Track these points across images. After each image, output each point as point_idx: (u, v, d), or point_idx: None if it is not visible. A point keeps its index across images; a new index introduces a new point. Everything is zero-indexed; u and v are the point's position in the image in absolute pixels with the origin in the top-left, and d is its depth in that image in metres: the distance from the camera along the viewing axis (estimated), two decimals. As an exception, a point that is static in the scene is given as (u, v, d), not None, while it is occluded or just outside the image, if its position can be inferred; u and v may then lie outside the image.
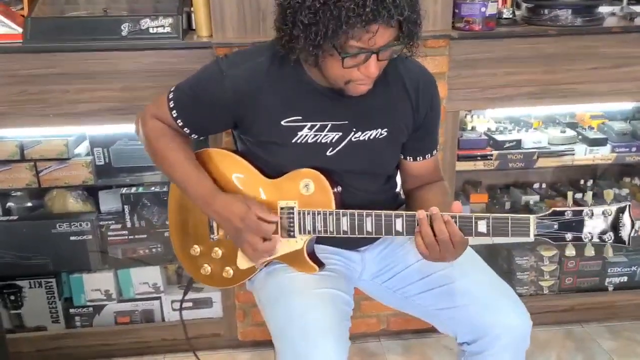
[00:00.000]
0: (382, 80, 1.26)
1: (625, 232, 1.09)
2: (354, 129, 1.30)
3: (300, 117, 1.27)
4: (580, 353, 2.16)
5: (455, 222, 1.17)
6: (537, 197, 2.34)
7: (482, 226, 1.17)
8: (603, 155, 2.12)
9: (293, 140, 1.28)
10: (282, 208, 1.30)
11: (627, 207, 1.09)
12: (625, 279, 2.32)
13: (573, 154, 2.11)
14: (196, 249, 1.42)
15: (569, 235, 1.12)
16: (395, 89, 1.32)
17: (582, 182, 2.43)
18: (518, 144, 2.11)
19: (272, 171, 1.33)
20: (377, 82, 1.23)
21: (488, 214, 1.16)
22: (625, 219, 1.09)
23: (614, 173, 2.50)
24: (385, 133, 1.33)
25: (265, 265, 1.36)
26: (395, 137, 1.35)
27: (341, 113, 1.29)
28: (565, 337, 2.25)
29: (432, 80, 1.38)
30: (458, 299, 1.35)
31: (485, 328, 1.32)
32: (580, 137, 2.17)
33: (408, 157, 1.41)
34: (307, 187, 1.28)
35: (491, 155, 2.09)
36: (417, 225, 1.19)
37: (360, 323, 2.16)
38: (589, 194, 1.16)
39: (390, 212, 1.23)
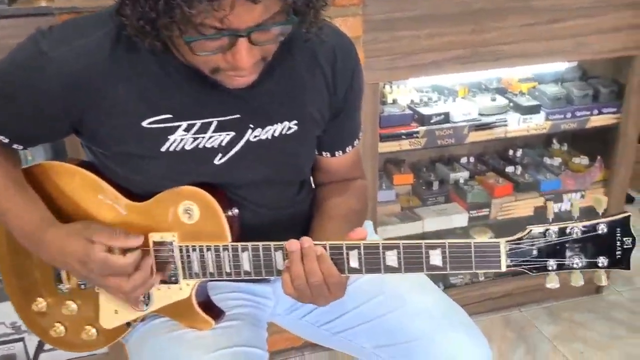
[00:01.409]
0: (283, 54, 0.90)
1: (624, 253, 0.81)
2: (251, 126, 0.93)
3: (170, 116, 0.88)
4: (522, 343, 1.96)
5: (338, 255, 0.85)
6: (466, 174, 2.09)
7: (391, 258, 0.85)
8: (537, 124, 1.89)
9: (163, 148, 0.89)
10: (156, 243, 0.92)
11: (627, 218, 0.81)
12: (562, 256, 2.13)
13: (506, 125, 1.86)
14: (41, 304, 1.01)
15: (552, 264, 0.82)
16: (303, 64, 0.96)
17: (511, 152, 2.20)
18: (446, 117, 1.82)
19: (138, 191, 0.94)
20: (275, 58, 0.86)
21: (397, 242, 0.84)
22: (624, 234, 0.81)
23: (542, 139, 2.29)
24: (295, 127, 0.97)
25: (142, 320, 0.98)
26: (308, 130, 0.99)
27: (230, 105, 0.91)
28: (505, 325, 2.04)
29: (351, 49, 1.02)
30: (401, 334, 1.05)
31: None
32: (512, 104, 1.92)
33: (324, 153, 1.07)
34: (189, 213, 0.90)
35: (417, 132, 1.79)
36: (286, 259, 0.87)
37: (279, 339, 1.84)
38: (576, 201, 0.87)
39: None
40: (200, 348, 0.92)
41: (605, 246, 0.81)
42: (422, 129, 1.79)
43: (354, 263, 0.85)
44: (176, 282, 0.93)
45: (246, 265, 0.89)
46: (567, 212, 2.09)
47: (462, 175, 2.08)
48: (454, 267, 0.83)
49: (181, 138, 0.89)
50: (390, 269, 0.85)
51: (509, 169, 2.09)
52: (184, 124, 0.89)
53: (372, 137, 1.72)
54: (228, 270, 0.90)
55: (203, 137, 0.90)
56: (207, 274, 0.91)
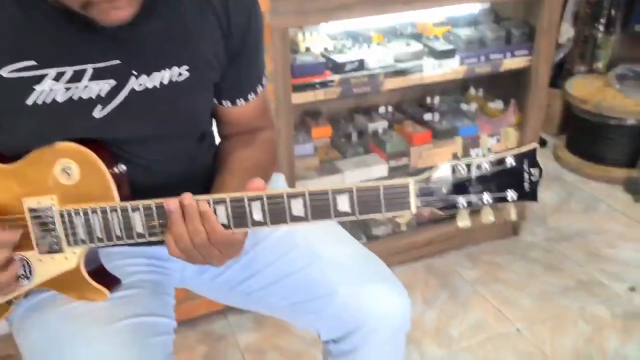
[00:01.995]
0: None
1: (532, 185, 0.78)
2: (134, 73, 0.82)
3: (34, 63, 0.76)
4: (445, 289, 1.98)
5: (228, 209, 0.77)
6: (385, 123, 2.05)
7: (296, 207, 0.78)
8: (453, 69, 1.86)
9: (29, 101, 0.77)
10: (32, 210, 0.81)
11: (534, 150, 0.78)
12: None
13: (422, 71, 1.82)
14: None
15: (462, 201, 0.78)
16: (193, 2, 0.86)
17: (428, 100, 2.18)
18: (361, 64, 1.76)
19: (8, 153, 0.82)
20: None
21: (303, 190, 0.77)
22: (532, 166, 0.78)
23: (458, 85, 2.29)
24: (187, 72, 0.87)
25: (25, 296, 0.88)
26: (201, 76, 0.89)
27: (107, 50, 0.80)
28: (428, 272, 2.06)
29: None
30: (316, 289, 1.01)
31: (355, 322, 0.99)
32: (427, 49, 1.88)
33: (224, 102, 0.97)
34: (67, 172, 0.80)
35: (332, 81, 1.72)
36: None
37: (200, 304, 1.76)
38: (485, 139, 0.83)
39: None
40: (94, 322, 0.83)
41: (514, 179, 0.78)
42: (336, 77, 1.72)
43: (257, 215, 0.78)
44: (60, 251, 0.82)
45: (139, 227, 0.80)
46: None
47: (381, 125, 2.04)
48: (363, 211, 0.78)
49: (50, 89, 0.78)
50: (296, 219, 0.78)
51: (427, 116, 2.07)
52: (52, 72, 0.77)
53: (285, 87, 1.63)
54: (118, 233, 0.80)
55: (77, 87, 0.79)
56: (95, 240, 0.81)
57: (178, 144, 0.93)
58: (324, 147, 2.03)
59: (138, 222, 0.80)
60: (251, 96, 0.98)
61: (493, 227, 2.19)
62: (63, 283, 0.85)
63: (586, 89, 2.70)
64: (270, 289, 1.03)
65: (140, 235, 0.81)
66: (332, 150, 2.01)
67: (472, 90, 2.24)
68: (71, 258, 0.83)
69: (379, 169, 1.94)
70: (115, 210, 0.79)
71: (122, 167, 0.83)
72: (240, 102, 0.98)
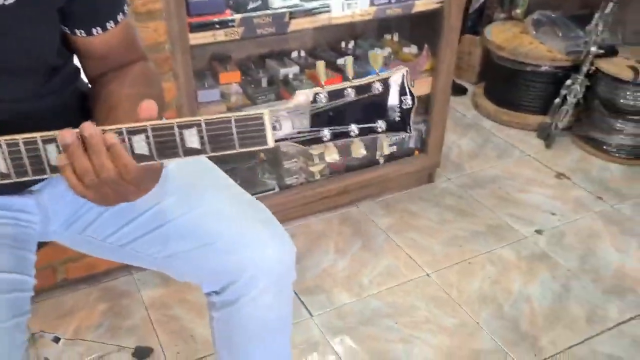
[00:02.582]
0: None
1: (403, 114, 0.73)
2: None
3: None
4: (358, 237, 1.96)
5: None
6: (296, 69, 1.97)
7: (140, 145, 0.70)
8: (362, 10, 1.78)
9: None
10: None
11: (403, 76, 0.72)
12: (394, 148, 2.13)
13: (329, 11, 1.74)
14: None
15: (326, 134, 0.72)
16: None
17: (342, 44, 2.11)
18: (264, 3, 1.65)
19: None
20: None
21: (145, 124, 0.68)
22: (402, 93, 0.72)
23: (374, 30, 2.22)
24: (14, -5, 0.75)
25: None
26: (32, 1, 0.77)
27: None
28: (342, 222, 2.03)
29: None
30: (193, 239, 0.94)
31: (235, 271, 0.94)
32: (335, -11, 1.78)
33: (78, 31, 0.86)
34: None
35: (232, 20, 1.61)
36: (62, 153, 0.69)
37: (101, 260, 1.66)
38: (349, 59, 0.76)
39: (33, 135, 0.69)
40: None
41: (382, 108, 0.72)
42: (237, 16, 1.61)
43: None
44: None
45: (1, 166, 0.70)
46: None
47: (292, 70, 1.96)
48: (215, 148, 0.70)
49: None
50: (142, 158, 0.70)
51: (340, 61, 2.00)
52: None
53: (180, 26, 1.51)
54: (-40, 176, 0.70)
55: None
56: None
57: (20, 80, 0.82)
58: (234, 94, 1.93)
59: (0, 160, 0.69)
60: (110, 25, 0.87)
61: (408, 175, 2.18)
62: None
63: (504, 36, 2.69)
64: (145, 240, 0.96)
65: (4, 176, 0.70)
66: (241, 96, 1.91)
67: (387, 36, 2.17)
68: None
69: (288, 116, 1.86)
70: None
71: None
72: (97, 31, 0.86)
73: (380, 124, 0.73)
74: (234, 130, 0.70)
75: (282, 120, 0.71)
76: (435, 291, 1.74)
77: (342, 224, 2.02)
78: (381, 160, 2.12)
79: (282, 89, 1.92)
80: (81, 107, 0.93)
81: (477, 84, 2.99)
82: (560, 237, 1.98)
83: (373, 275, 1.80)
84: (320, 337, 1.58)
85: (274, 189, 1.95)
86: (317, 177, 2.02)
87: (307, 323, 1.63)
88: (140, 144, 0.70)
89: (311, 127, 0.71)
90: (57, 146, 0.69)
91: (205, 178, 1.00)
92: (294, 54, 2.04)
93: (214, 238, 0.93)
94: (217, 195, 0.98)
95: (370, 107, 0.72)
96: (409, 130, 0.75)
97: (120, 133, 0.68)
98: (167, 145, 0.70)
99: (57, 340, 1.34)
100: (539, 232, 2.00)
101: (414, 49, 2.09)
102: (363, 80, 0.72)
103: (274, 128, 0.70)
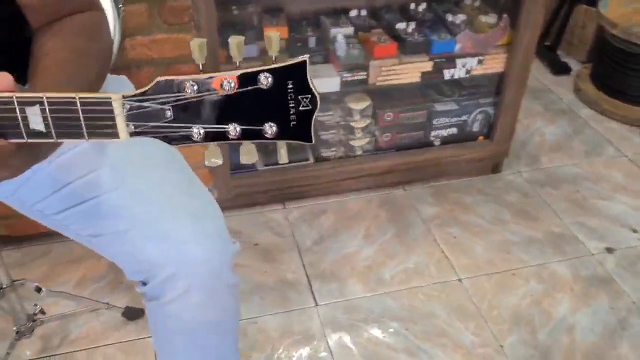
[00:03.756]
0: None
1: (302, 118, 0.55)
2: None
3: None
4: (393, 224, 1.77)
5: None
6: (350, 30, 1.77)
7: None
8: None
9: None
10: None
11: (302, 66, 0.54)
12: (454, 130, 1.88)
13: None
14: None
15: (196, 130, 0.56)
16: None
17: (412, 6, 1.86)
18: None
19: None
20: None
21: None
22: (300, 90, 0.54)
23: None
24: None
25: None
26: None
27: None
28: (381, 204, 1.84)
29: None
30: (112, 222, 0.83)
31: (154, 266, 0.83)
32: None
33: None
34: None
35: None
36: None
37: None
38: (273, 35, 0.58)
39: None
40: None
41: (274, 107, 0.55)
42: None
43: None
44: None
45: None
46: (460, 81, 1.81)
47: (344, 31, 1.76)
48: (60, 133, 0.57)
49: None
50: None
51: (400, 25, 1.76)
52: None
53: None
54: None
55: None
56: None
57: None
58: (278, 53, 1.77)
59: None
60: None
61: (468, 162, 1.92)
62: None
63: (622, 10, 2.27)
64: (68, 214, 0.86)
65: None
66: (283, 56, 1.75)
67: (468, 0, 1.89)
68: None
69: (330, 83, 1.68)
70: None
71: None
72: None
73: (271, 128, 0.55)
74: (81, 114, 0.56)
75: (140, 110, 0.56)
76: (462, 300, 1.53)
77: (381, 207, 1.83)
78: (437, 142, 1.88)
79: (332, 52, 1.73)
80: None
81: (585, 63, 2.59)
82: (635, 261, 1.66)
83: (397, 270, 1.62)
84: (317, 330, 1.45)
85: (307, 160, 1.80)
86: (359, 152, 1.83)
87: (309, 312, 1.49)
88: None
89: (175, 120, 0.55)
90: None
91: (152, 155, 0.88)
92: (353, 13, 1.84)
93: (132, 224, 0.82)
94: (152, 176, 0.86)
95: (258, 105, 0.55)
96: (310, 140, 0.57)
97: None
98: (9, 126, 0.58)
99: (38, 290, 1.32)
100: (609, 250, 1.69)
101: (492, 18, 1.79)
102: (248, 70, 0.54)
103: (131, 118, 0.56)
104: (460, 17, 1.80)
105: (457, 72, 1.75)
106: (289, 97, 0.55)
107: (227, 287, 0.87)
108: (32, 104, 0.57)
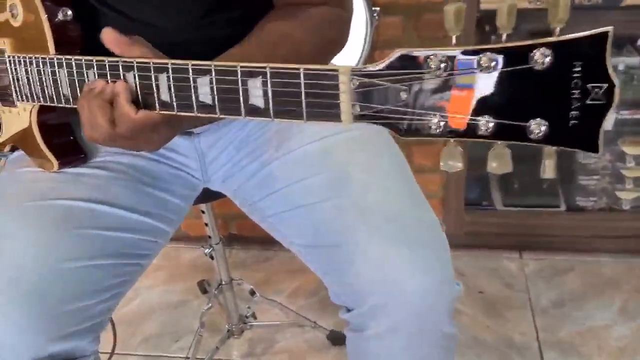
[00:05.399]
0: None
1: (589, 115, 0.38)
2: None
3: None
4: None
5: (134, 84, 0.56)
6: (636, 60, 1.47)
7: (204, 89, 0.52)
8: None
9: None
10: (-8, 52, 0.73)
11: (601, 40, 0.37)
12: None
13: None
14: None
15: (435, 121, 0.42)
16: None
17: None
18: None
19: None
20: None
21: (209, 63, 0.52)
22: (592, 75, 0.37)
23: None
24: None
25: (11, 150, 0.82)
26: None
27: None
28: (645, 274, 1.48)
29: None
30: (327, 234, 0.74)
31: (360, 292, 0.71)
32: None
33: None
34: (13, 11, 0.68)
35: (540, -17, 1.26)
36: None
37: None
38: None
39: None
40: (28, 193, 0.72)
41: (548, 97, 0.39)
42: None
43: (164, 94, 0.56)
44: (14, 104, 0.73)
45: (65, 89, 0.65)
46: None
47: (627, 61, 1.47)
48: (278, 111, 0.49)
49: None
50: (204, 108, 0.54)
51: None
52: None
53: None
54: (50, 93, 0.67)
55: None
56: (35, 96, 0.69)
57: (181, 4, 0.73)
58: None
59: (64, 83, 0.64)
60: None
61: None
62: (24, 144, 0.76)
63: None
64: (284, 218, 0.80)
65: (66, 100, 0.65)
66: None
67: None
68: (23, 115, 0.73)
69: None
70: (46, 64, 0.65)
71: (68, 14, 0.67)
72: None
73: (536, 127, 0.39)
74: (303, 88, 0.47)
75: (370, 89, 0.44)
76: None
77: (646, 277, 1.48)
78: None
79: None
80: None
81: None
82: None
83: (662, 363, 1.26)
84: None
85: (558, 207, 1.54)
86: (626, 207, 1.50)
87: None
88: (204, 89, 0.53)
89: (414, 105, 0.42)
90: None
91: (366, 153, 0.77)
92: (641, 41, 1.53)
93: (345, 238, 0.71)
94: (374, 185, 0.74)
95: (524, 93, 0.39)
96: (595, 148, 0.39)
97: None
98: (229, 98, 0.52)
99: (252, 293, 1.31)
100: None
101: None
102: (518, 43, 0.39)
103: (358, 97, 0.44)
104: None
105: None
106: (572, 85, 0.38)
107: (442, 335, 0.71)
108: (255, 74, 0.49)
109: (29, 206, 0.70)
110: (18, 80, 0.70)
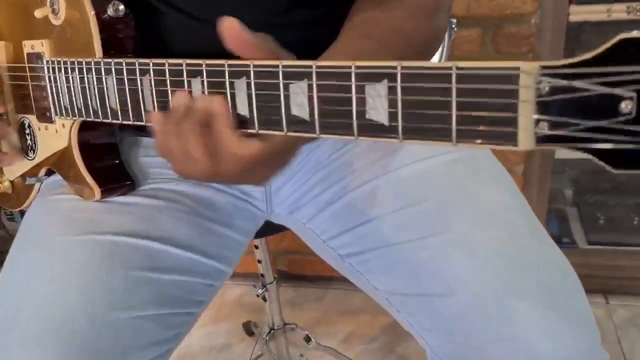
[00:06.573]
0: None
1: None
2: None
3: None
4: None
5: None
6: None
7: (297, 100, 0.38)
8: None
9: None
10: (30, 56, 0.61)
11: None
12: None
13: None
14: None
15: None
16: None
17: None
18: None
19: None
20: None
21: (310, 63, 0.37)
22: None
23: None
24: None
25: (47, 174, 0.69)
26: None
27: None
28: None
29: None
30: (426, 281, 0.59)
31: (477, 350, 0.55)
32: None
33: None
34: (54, 7, 0.56)
35: (642, -8, 1.10)
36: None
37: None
38: None
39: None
40: (65, 226, 0.59)
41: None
42: (652, -14, 1.10)
43: (241, 106, 0.42)
44: (51, 120, 0.61)
45: (112, 99, 0.52)
46: None
47: None
48: (410, 130, 0.35)
49: None
50: (297, 125, 0.40)
51: None
52: None
53: (557, -7, 1.11)
54: (95, 105, 0.54)
55: None
56: (76, 110, 0.56)
57: (261, 3, 0.60)
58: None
59: (111, 91, 0.52)
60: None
61: None
62: (61, 167, 0.63)
63: None
64: (364, 259, 0.65)
65: (113, 114, 0.53)
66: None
67: None
68: (62, 133, 0.60)
69: None
70: (91, 69, 0.53)
71: (120, 8, 0.55)
72: None
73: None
74: (454, 95, 0.33)
75: (567, 96, 0.30)
76: None
77: None
78: None
79: None
80: None
81: None
82: None
83: None
84: None
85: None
86: None
87: None
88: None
89: (625, 121, 0.28)
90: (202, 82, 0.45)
91: (469, 177, 0.63)
92: None
93: (455, 289, 0.56)
94: (476, 216, 0.59)
95: None
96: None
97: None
98: (334, 112, 0.38)
99: (307, 339, 1.17)
100: None
101: None
102: None
103: (546, 108, 0.30)
104: None
105: None
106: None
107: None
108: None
109: (66, 242, 0.57)
110: (57, 90, 0.58)
